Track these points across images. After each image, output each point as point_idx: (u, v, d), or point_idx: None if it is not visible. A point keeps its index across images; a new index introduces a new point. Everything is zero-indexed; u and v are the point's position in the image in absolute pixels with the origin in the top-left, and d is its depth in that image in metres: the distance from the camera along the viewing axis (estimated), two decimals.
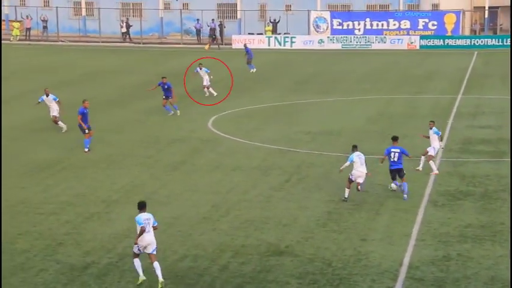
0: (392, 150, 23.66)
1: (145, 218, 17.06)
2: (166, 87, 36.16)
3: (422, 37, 68.90)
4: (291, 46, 70.19)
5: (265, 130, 33.15)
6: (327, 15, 71.90)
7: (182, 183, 25.09)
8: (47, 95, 32.75)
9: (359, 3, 75.91)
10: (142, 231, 16.78)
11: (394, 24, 70.60)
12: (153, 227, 17.09)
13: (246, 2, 76.49)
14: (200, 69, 42.42)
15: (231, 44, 70.92)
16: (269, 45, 70.46)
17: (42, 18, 74.84)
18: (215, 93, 41.98)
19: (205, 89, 42.13)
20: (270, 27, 72.73)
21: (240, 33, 73.94)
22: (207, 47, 69.25)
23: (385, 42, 69.19)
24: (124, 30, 73.76)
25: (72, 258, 18.35)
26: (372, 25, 70.94)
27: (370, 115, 36.97)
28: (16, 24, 73.95)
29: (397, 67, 55.09)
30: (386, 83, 48.07)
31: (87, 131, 29.01)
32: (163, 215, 21.62)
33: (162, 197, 23.41)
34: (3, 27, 77.45)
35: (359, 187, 23.30)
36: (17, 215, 21.56)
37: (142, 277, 16.86)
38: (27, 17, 74.75)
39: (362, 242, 19.51)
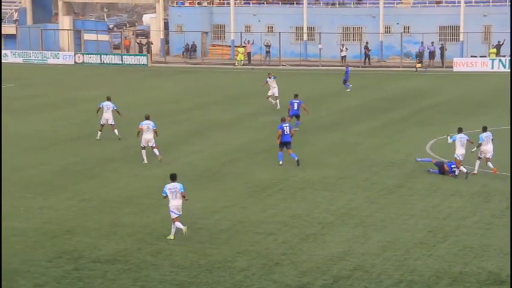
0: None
1: (170, 187, 21.55)
2: (296, 105, 38.30)
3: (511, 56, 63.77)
4: None
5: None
6: None
7: (398, 207, 24.80)
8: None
9: None
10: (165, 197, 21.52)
11: None
12: (181, 193, 21.51)
13: (470, 24, 74.60)
14: (270, 78, 44.97)
15: (452, 67, 69.38)
16: (492, 67, 68.17)
17: (265, 44, 77.19)
18: (278, 106, 43.99)
19: (270, 99, 44.69)
20: (494, 50, 70.43)
21: (462, 56, 72.12)
22: (419, 65, 68.57)
23: None
24: (344, 54, 74.40)
25: (287, 278, 18.62)
26: None
27: None
28: (241, 50, 76.81)
29: None
30: None
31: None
32: (379, 238, 21.50)
33: (377, 221, 23.26)
34: (228, 52, 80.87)
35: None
36: (237, 234, 22.21)
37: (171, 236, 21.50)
38: (248, 41, 77.45)
39: None
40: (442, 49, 72.27)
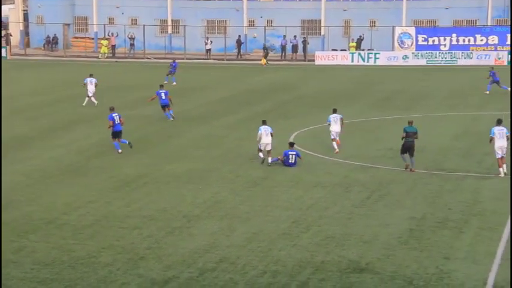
0: None
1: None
2: (164, 95, 39.55)
3: (511, 52, 67.44)
4: (375, 62, 69.73)
5: (347, 146, 32.94)
6: (412, 31, 71.22)
7: (262, 198, 25.14)
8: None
9: (446, 19, 74.99)
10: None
11: (482, 40, 69.41)
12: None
13: (331, 18, 76.42)
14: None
15: (314, 60, 70.93)
16: (352, 61, 70.18)
17: (129, 36, 76.40)
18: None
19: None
20: (354, 44, 72.44)
21: (324, 50, 73.83)
22: (263, 62, 69.75)
23: (471, 58, 68.13)
24: (208, 47, 74.66)
25: (153, 272, 18.56)
26: (458, 41, 69.91)
27: (456, 132, 36.39)
28: (104, 42, 75.69)
29: (485, 83, 54.02)
30: (472, 99, 47.23)
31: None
32: (243, 230, 21.73)
33: (242, 213, 23.49)
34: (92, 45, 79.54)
35: None
36: (102, 229, 21.94)
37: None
38: (112, 34, 76.47)
39: (445, 260, 19.16)
40: (305, 42, 73.75)
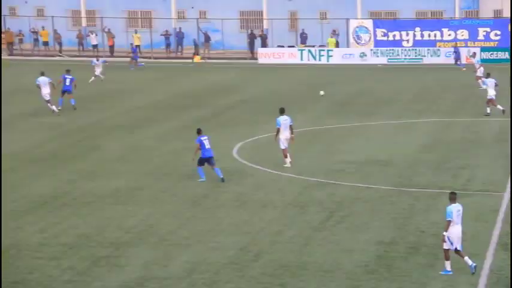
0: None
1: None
2: (69, 80, 44.02)
3: (483, 49, 68.77)
4: (328, 61, 70.31)
5: (300, 159, 33.11)
6: (369, 24, 72.06)
7: (204, 222, 25.14)
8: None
9: (407, 10, 75.98)
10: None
11: (450, 35, 70.58)
12: None
13: (274, 10, 76.76)
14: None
15: (256, 59, 71.24)
16: (302, 59, 70.65)
17: (32, 30, 75.77)
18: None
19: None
20: (334, 40, 72.01)
21: (268, 46, 74.08)
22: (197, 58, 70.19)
23: (439, 56, 69.17)
24: (94, 42, 74.68)
25: None
26: (422, 35, 70.97)
27: (424, 142, 36.87)
28: None
29: (455, 85, 54.95)
30: (442, 103, 47.97)
31: None
32: (183, 259, 21.70)
33: (180, 238, 23.47)
34: None
35: None
36: (11, 260, 21.66)
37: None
38: (9, 29, 76.01)
39: None
40: (252, 36, 73.81)
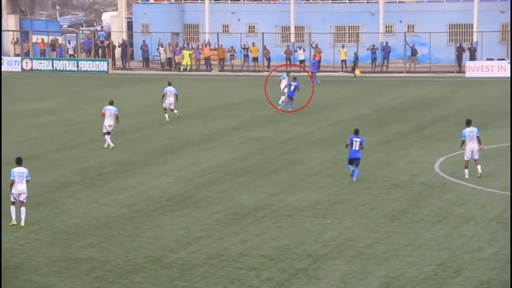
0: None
1: (18, 171, 26.18)
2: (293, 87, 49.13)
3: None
4: None
5: (504, 174, 32.25)
6: None
7: (402, 236, 24.91)
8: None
9: None
10: (12, 183, 26.02)
11: None
12: (26, 180, 26.21)
13: (485, 22, 75.05)
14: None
15: (464, 72, 69.91)
16: None
17: (243, 46, 77.48)
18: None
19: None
20: None
21: (476, 59, 72.43)
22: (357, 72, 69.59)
23: None
24: (301, 58, 75.01)
25: None
26: None
27: None
28: (187, 53, 76.14)
29: None
30: None
31: None
32: (380, 273, 21.58)
33: (378, 253, 23.35)
34: None
35: None
36: (214, 269, 22.20)
37: (14, 221, 26.04)
38: (206, 45, 77.89)
39: None
40: (460, 49, 72.43)
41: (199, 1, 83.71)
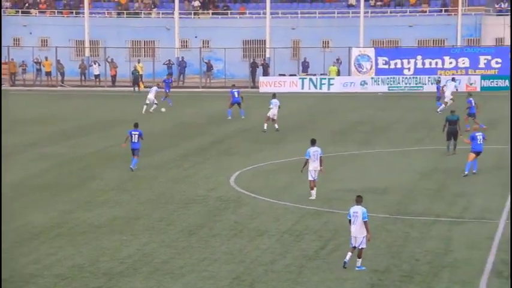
0: None
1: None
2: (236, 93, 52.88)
3: (483, 77, 68.79)
4: (329, 89, 70.43)
5: (297, 188, 33.06)
6: (371, 52, 72.18)
7: (199, 251, 25.02)
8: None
9: (409, 39, 76.25)
10: None
11: (451, 63, 70.66)
12: None
13: (277, 38, 76.96)
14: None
15: (258, 87, 71.34)
16: (303, 88, 70.75)
17: (35, 61, 75.92)
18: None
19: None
20: (335, 68, 72.20)
21: (269, 75, 74.19)
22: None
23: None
24: (97, 72, 74.74)
25: None
26: (424, 63, 71.07)
27: (422, 170, 36.79)
28: None
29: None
30: (440, 131, 47.77)
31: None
32: None
33: (175, 268, 23.33)
34: None
35: None
36: None
37: None
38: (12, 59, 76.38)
39: None
40: (254, 65, 73.87)
41: None
